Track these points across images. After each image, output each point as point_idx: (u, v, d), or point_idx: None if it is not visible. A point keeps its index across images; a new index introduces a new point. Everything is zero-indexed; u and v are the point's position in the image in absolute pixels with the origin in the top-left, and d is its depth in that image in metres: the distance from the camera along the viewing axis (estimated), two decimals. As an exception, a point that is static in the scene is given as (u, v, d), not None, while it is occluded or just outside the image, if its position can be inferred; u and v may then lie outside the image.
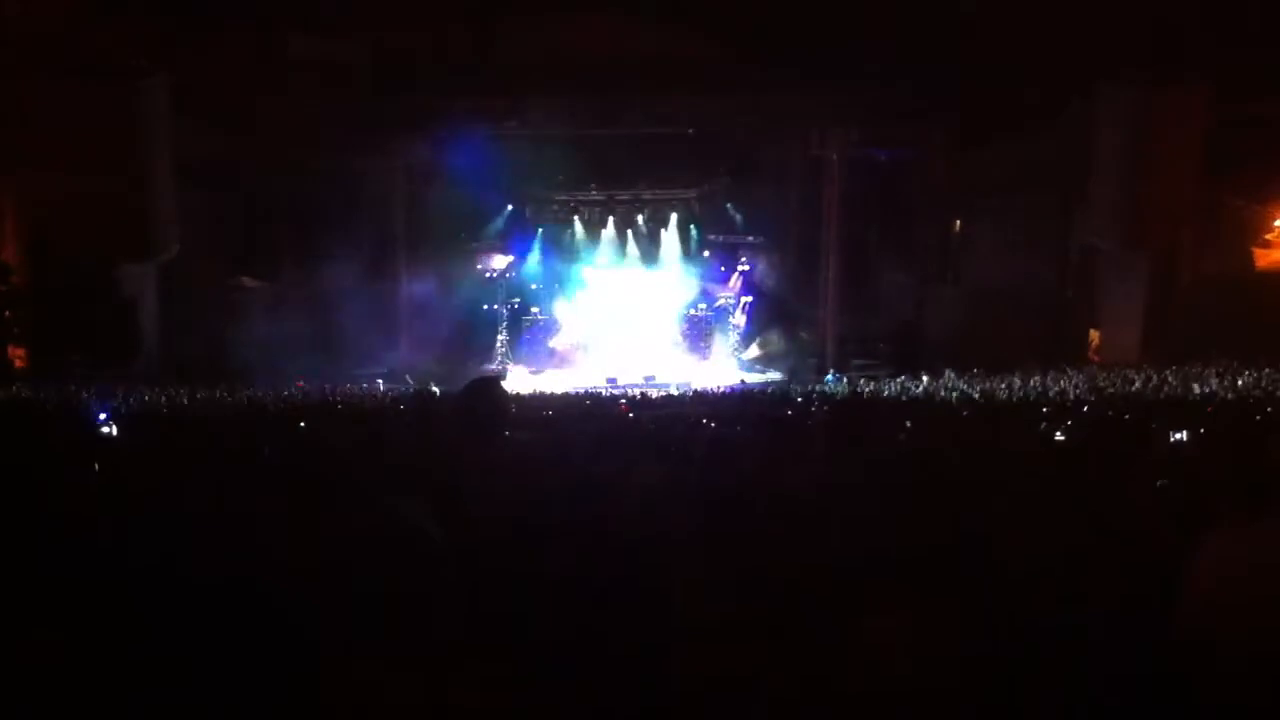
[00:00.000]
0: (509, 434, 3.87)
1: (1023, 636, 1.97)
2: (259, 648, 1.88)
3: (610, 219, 26.70)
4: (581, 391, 21.82)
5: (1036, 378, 18.16)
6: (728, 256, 26.80)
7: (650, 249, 26.86)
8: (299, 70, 22.10)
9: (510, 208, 26.02)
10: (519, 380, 24.13)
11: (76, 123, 18.77)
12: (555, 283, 26.68)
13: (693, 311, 26.87)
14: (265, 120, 21.35)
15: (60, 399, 14.35)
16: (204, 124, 20.79)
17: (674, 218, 26.71)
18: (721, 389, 22.22)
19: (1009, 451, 5.92)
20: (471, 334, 25.25)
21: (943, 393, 17.66)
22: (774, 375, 25.11)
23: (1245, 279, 21.88)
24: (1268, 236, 22.10)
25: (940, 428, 9.39)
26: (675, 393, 21.37)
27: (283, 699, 1.84)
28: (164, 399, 16.22)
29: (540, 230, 26.55)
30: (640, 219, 26.85)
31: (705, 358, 26.55)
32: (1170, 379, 16.55)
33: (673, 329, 26.78)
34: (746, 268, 26.54)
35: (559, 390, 21.95)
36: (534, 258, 26.63)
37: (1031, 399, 15.18)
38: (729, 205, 26.45)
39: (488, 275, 26.15)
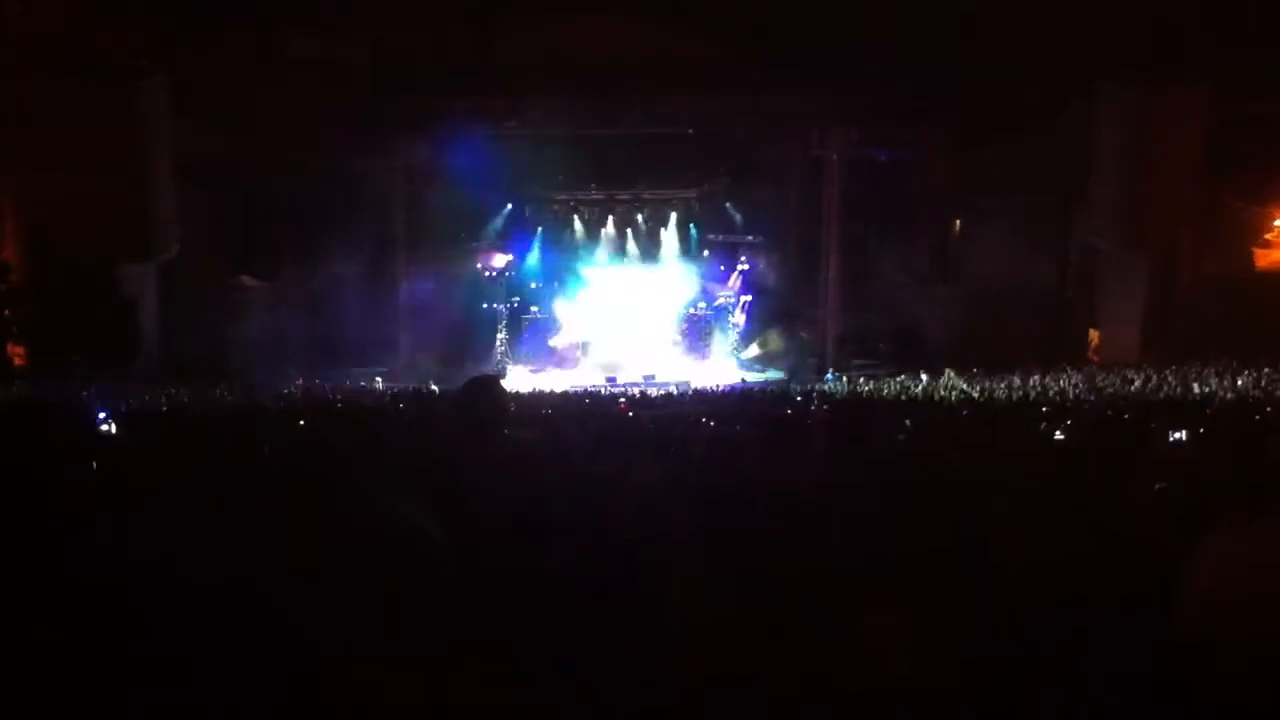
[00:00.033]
0: (508, 432, 3.87)
1: (1022, 636, 1.97)
2: (259, 647, 1.88)
3: (610, 218, 26.71)
4: (581, 390, 21.83)
5: (1036, 377, 18.17)
6: (727, 256, 26.81)
7: (650, 248, 26.87)
8: (299, 70, 22.09)
9: (510, 207, 26.02)
10: (518, 379, 24.14)
11: (76, 123, 18.76)
12: (555, 282, 26.69)
13: (692, 311, 26.87)
14: (265, 120, 21.34)
15: (60, 397, 14.35)
16: (204, 124, 20.79)
17: (674, 217, 26.71)
18: (721, 388, 22.23)
19: (1008, 451, 5.92)
20: (471, 333, 25.24)
21: (942, 392, 17.67)
22: (774, 374, 25.11)
23: (1245, 279, 21.89)
24: (1268, 236, 22.11)
25: (939, 427, 9.39)
26: (675, 392, 21.38)
27: (283, 699, 1.84)
28: (164, 398, 16.23)
29: (540, 230, 26.56)
30: (640, 218, 26.85)
31: (705, 357, 26.54)
32: (1170, 379, 16.55)
33: (672, 328, 26.78)
34: (746, 267, 26.54)
35: (558, 389, 21.95)
36: (534, 257, 26.64)
37: (1031, 399, 15.18)
38: (729, 205, 26.45)
39: (487, 274, 26.15)
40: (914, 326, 23.63)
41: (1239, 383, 15.39)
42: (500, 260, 26.35)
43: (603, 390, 22.22)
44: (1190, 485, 3.79)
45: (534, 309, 26.58)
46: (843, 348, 24.51)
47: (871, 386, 20.23)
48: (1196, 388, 15.42)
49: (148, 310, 21.08)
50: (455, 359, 23.29)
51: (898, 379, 21.14)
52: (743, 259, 26.59)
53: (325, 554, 1.90)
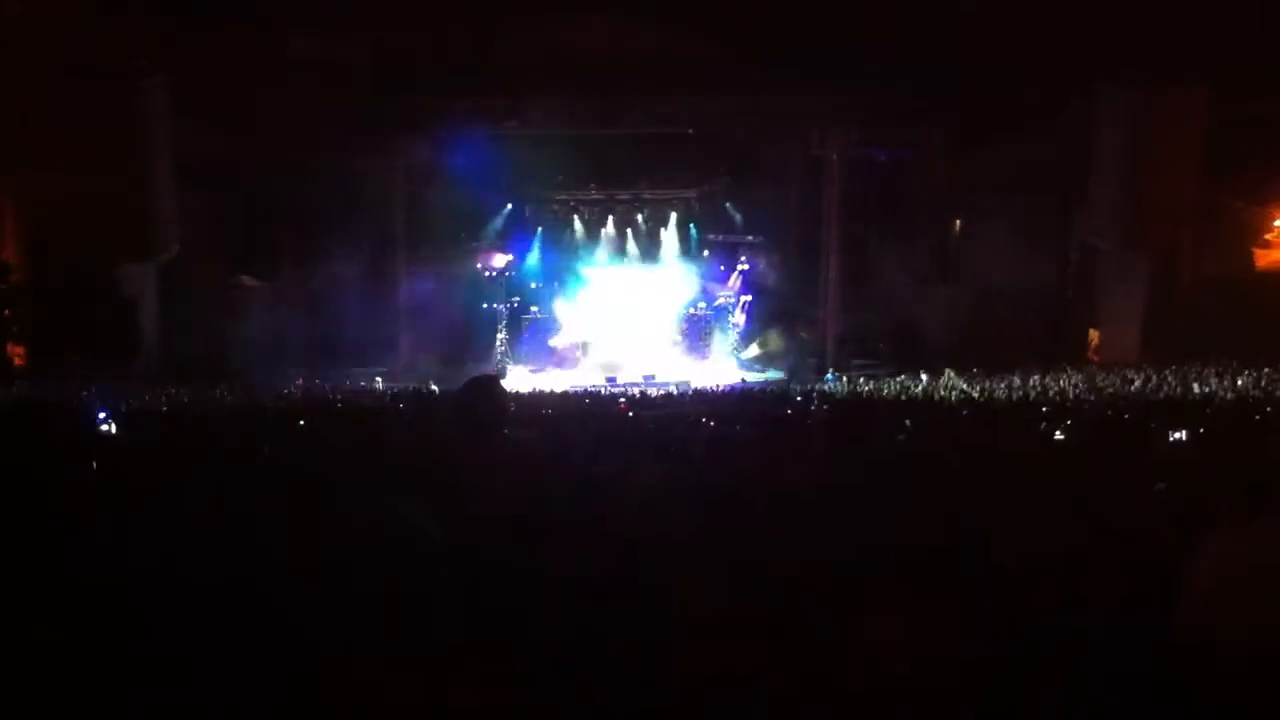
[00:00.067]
0: (508, 432, 3.87)
1: (1022, 636, 1.97)
2: (259, 647, 1.88)
3: (610, 218, 26.71)
4: (581, 390, 21.83)
5: (1036, 377, 18.17)
6: (727, 256, 26.81)
7: (650, 248, 26.86)
8: (299, 70, 22.09)
9: (510, 207, 26.01)
10: (518, 379, 24.13)
11: (76, 123, 18.77)
12: (555, 282, 26.68)
13: (692, 311, 26.87)
14: (265, 120, 21.34)
15: (60, 397, 14.35)
16: (204, 124, 20.78)
17: (674, 217, 26.71)
18: (721, 388, 22.23)
19: (1008, 451, 5.92)
20: (471, 333, 25.24)
21: (942, 391, 17.67)
22: (774, 374, 25.11)
23: (1245, 279, 21.89)
24: (1268, 236, 22.11)
25: (939, 427, 9.39)
26: (675, 392, 21.38)
27: (283, 699, 1.84)
28: (164, 399, 16.22)
29: (540, 229, 26.55)
30: (640, 218, 26.85)
31: (705, 357, 26.54)
32: (1170, 379, 16.56)
33: (672, 328, 26.78)
34: (746, 267, 26.54)
35: (558, 389, 21.95)
36: (534, 257, 26.63)
37: (1031, 399, 15.19)
38: (729, 205, 26.44)
39: (487, 274, 26.15)
40: (914, 326, 23.62)
41: (1239, 382, 15.40)
42: (500, 260, 26.34)
43: (603, 390, 22.22)
44: (1190, 485, 3.79)
45: (534, 309, 26.57)
46: (843, 348, 24.50)
47: (872, 386, 20.23)
48: (1197, 387, 15.42)
49: (148, 310, 21.08)
50: (455, 359, 23.28)
51: (898, 379, 21.14)
52: (743, 259, 26.59)
53: (325, 554, 1.90)
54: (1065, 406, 13.19)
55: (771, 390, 21.12)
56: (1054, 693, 1.87)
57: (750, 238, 26.46)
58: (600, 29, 22.31)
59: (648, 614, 2.35)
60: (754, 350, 26.41)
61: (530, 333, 26.45)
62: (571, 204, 26.50)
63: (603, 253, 26.80)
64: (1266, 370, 15.78)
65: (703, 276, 26.80)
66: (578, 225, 26.71)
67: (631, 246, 26.80)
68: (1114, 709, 1.82)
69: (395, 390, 19.95)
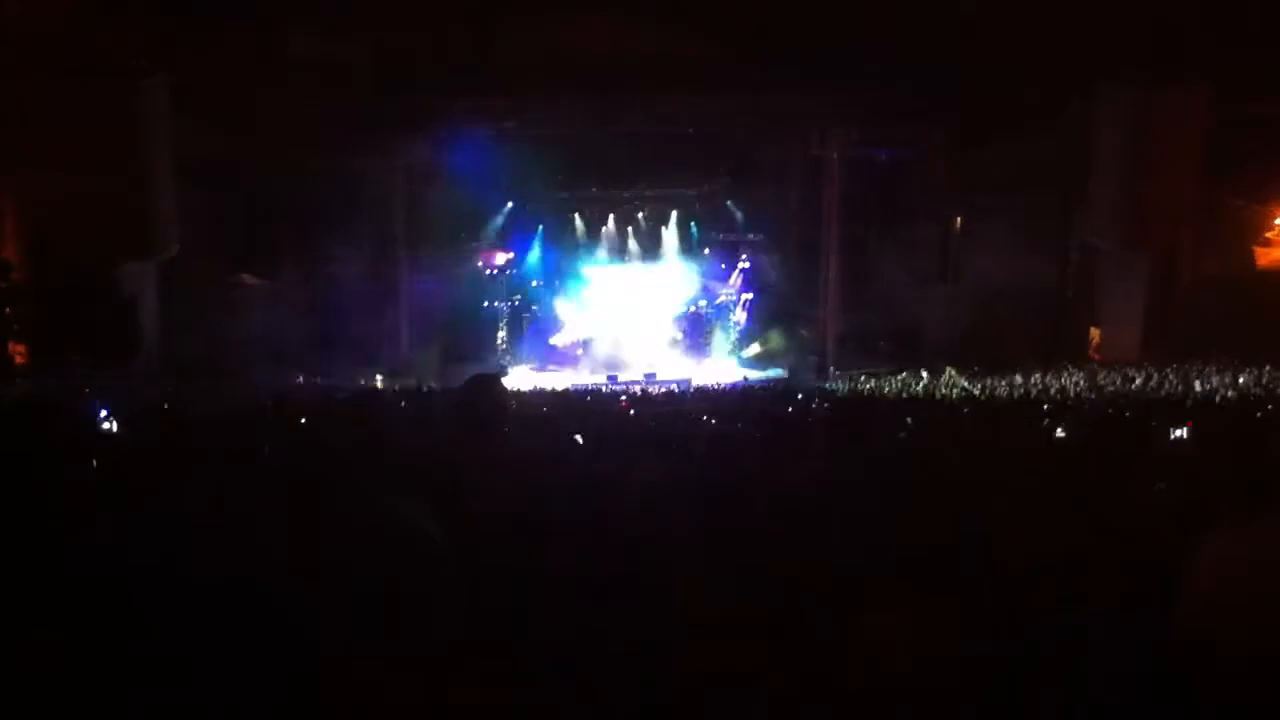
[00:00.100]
0: (508, 430, 3.87)
1: (1023, 634, 1.97)
2: (259, 647, 1.88)
3: (611, 217, 26.71)
4: (582, 389, 21.83)
5: (1036, 375, 18.18)
6: (728, 254, 26.83)
7: (651, 246, 26.87)
8: (299, 70, 22.10)
9: (510, 206, 26.02)
10: (519, 377, 24.14)
11: (76, 123, 18.78)
12: (556, 280, 26.70)
13: (693, 309, 26.88)
14: (265, 120, 21.34)
15: (61, 396, 14.34)
16: (204, 124, 20.79)
17: (674, 215, 26.71)
18: (722, 386, 22.24)
19: (1009, 450, 5.92)
20: (472, 332, 25.26)
21: (943, 390, 17.68)
22: (775, 372, 25.12)
23: (1245, 279, 21.90)
24: (1268, 235, 22.12)
25: (940, 425, 9.39)
26: (676, 390, 21.40)
27: (283, 699, 1.84)
28: (163, 398, 16.21)
29: (541, 228, 26.56)
30: (640, 217, 26.85)
31: (706, 355, 26.55)
32: (1171, 377, 16.57)
33: (673, 326, 26.79)
34: (747, 265, 26.56)
35: (560, 387, 21.95)
36: (534, 256, 26.65)
37: (1031, 396, 15.20)
38: (730, 202, 26.46)
39: (488, 273, 26.18)
40: (914, 326, 23.65)
41: (1240, 380, 15.41)
42: (501, 259, 26.37)
43: (604, 388, 22.23)
44: (1190, 484, 3.79)
45: (534, 307, 26.59)
46: (843, 346, 24.51)
47: (873, 385, 20.25)
48: (1198, 385, 15.44)
49: (148, 310, 21.09)
50: (456, 357, 23.30)
51: (898, 377, 21.16)
52: (743, 257, 26.60)
53: (325, 554, 1.90)
54: (1066, 404, 13.20)
55: (773, 388, 21.14)
56: (1055, 691, 1.87)
57: (751, 235, 26.48)
58: (600, 29, 22.31)
59: (649, 612, 2.35)
60: (754, 349, 26.43)
61: (531, 331, 26.47)
62: (572, 203, 26.51)
63: (603, 251, 26.81)
64: (1267, 368, 15.79)
65: (703, 275, 26.81)
66: (578, 224, 26.72)
67: (632, 245, 26.81)
68: (1114, 707, 1.82)
69: (395, 389, 19.95)
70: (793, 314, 26.03)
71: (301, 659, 1.80)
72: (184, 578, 2.11)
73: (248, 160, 22.16)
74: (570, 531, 2.68)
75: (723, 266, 26.82)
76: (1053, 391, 16.13)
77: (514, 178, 25.04)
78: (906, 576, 2.04)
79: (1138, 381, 16.64)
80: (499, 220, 26.07)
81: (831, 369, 23.87)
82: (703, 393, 20.41)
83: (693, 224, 26.84)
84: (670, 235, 26.80)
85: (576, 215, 26.67)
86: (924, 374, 20.40)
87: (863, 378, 22.14)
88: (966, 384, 18.18)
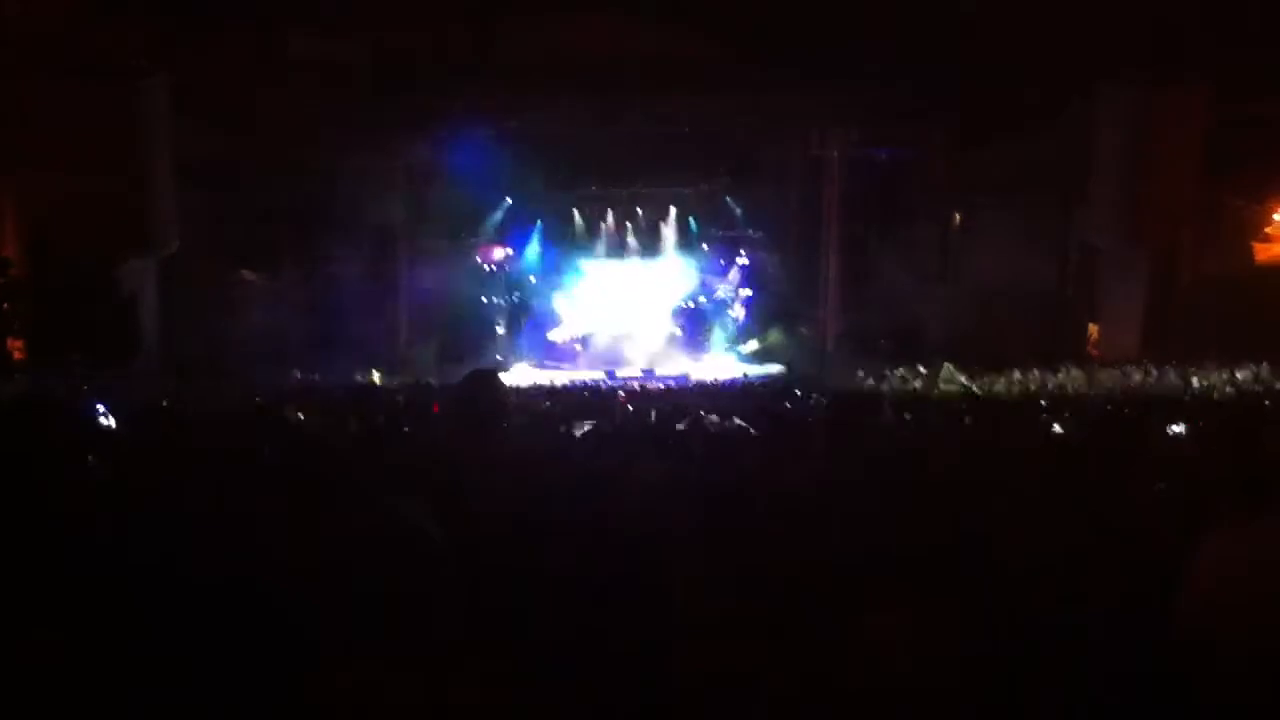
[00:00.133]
0: (507, 427, 3.87)
1: (1023, 634, 1.97)
2: (259, 647, 1.88)
3: (609, 214, 26.72)
4: (581, 384, 21.86)
5: (1035, 374, 18.19)
6: (727, 250, 26.84)
7: (650, 243, 26.87)
8: (299, 70, 22.09)
9: (509, 203, 26.03)
10: (518, 373, 24.14)
11: (76, 123, 18.75)
12: (555, 277, 26.71)
13: (691, 305, 26.89)
14: (265, 120, 21.34)
15: (60, 394, 14.33)
16: (204, 124, 20.78)
17: (673, 213, 26.72)
18: (720, 382, 22.26)
19: (1008, 448, 5.91)
20: (471, 328, 25.29)
21: (941, 386, 17.70)
22: (774, 368, 25.12)
23: (1245, 278, 21.89)
24: (1268, 230, 22.12)
25: (940, 424, 9.39)
26: (674, 386, 21.42)
27: (283, 699, 1.84)
28: (163, 397, 16.21)
29: (540, 225, 26.57)
30: (640, 214, 26.86)
31: (704, 351, 26.56)
32: (1171, 376, 16.58)
33: (671, 322, 26.81)
34: (746, 262, 26.59)
35: (558, 383, 21.97)
36: (533, 252, 26.66)
37: (1031, 392, 15.22)
38: (729, 199, 26.46)
39: (487, 270, 26.20)
40: (914, 325, 23.64)
41: (1240, 377, 15.43)
42: (500, 255, 26.40)
43: (602, 384, 22.26)
44: (1190, 482, 3.79)
45: (533, 304, 26.61)
46: (843, 346, 24.51)
47: (871, 382, 20.26)
48: (1197, 383, 15.46)
49: (148, 309, 21.09)
50: (455, 354, 23.30)
51: (897, 375, 21.14)
52: (742, 253, 26.63)
53: (325, 553, 1.90)
54: (1065, 403, 13.21)
55: (772, 384, 21.16)
56: (1055, 691, 1.87)
57: (750, 232, 26.50)
58: (600, 29, 22.31)
59: (649, 612, 2.35)
60: (753, 346, 26.43)
61: (530, 327, 26.48)
62: (571, 200, 26.52)
63: (602, 247, 26.82)
64: (1266, 365, 15.80)
65: (702, 271, 26.82)
66: (577, 220, 26.73)
67: (631, 241, 26.83)
68: (1114, 707, 1.82)
69: (395, 386, 19.95)
70: (793, 313, 26.03)
71: (301, 659, 1.80)
72: (184, 577, 2.11)
73: (248, 160, 22.14)
74: (570, 531, 2.68)
75: (722, 262, 26.83)
76: (1051, 386, 16.15)
77: (514, 177, 25.04)
78: (906, 576, 2.04)
79: (1137, 378, 16.65)
80: (498, 217, 26.09)
81: (830, 366, 23.85)
82: (702, 388, 20.42)
83: (691, 220, 26.84)
84: (669, 231, 26.81)
85: (575, 212, 26.68)
86: (922, 370, 20.39)
87: (861, 375, 22.13)
88: (964, 380, 18.18)
